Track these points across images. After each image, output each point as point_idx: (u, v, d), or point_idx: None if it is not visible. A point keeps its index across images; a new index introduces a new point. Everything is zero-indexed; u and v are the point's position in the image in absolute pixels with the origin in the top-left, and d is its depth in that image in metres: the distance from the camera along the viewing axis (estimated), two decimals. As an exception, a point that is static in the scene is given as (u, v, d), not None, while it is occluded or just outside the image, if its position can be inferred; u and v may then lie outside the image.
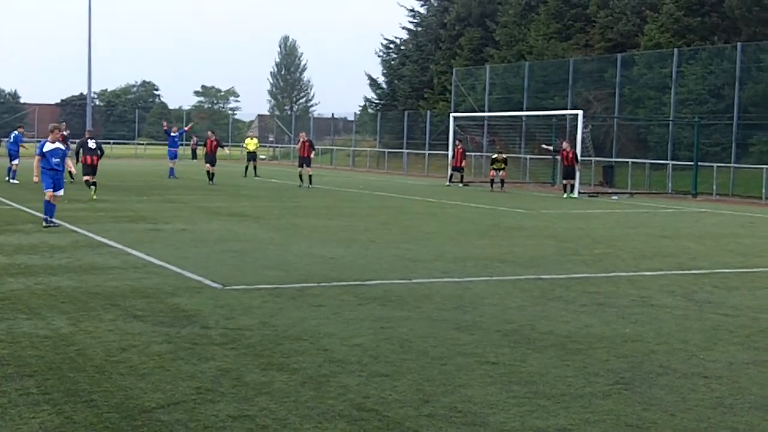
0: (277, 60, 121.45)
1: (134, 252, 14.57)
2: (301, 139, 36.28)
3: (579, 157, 34.58)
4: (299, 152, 36.06)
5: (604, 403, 6.75)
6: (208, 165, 36.82)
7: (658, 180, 39.47)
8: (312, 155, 36.61)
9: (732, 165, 37.13)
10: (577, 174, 34.47)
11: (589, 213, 26.10)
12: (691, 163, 36.89)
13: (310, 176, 35.13)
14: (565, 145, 34.72)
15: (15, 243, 15.42)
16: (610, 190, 37.55)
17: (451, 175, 40.69)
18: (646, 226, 22.29)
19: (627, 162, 40.31)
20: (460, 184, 39.78)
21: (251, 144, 44.68)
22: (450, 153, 41.50)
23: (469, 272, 13.28)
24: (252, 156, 43.72)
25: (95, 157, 26.42)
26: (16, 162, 33.53)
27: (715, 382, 7.42)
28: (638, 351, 8.46)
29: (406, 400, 6.73)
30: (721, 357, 8.32)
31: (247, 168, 43.22)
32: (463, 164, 40.76)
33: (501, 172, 37.16)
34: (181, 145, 39.68)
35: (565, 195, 33.70)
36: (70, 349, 8.01)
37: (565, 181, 34.45)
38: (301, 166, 35.68)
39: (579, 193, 34.18)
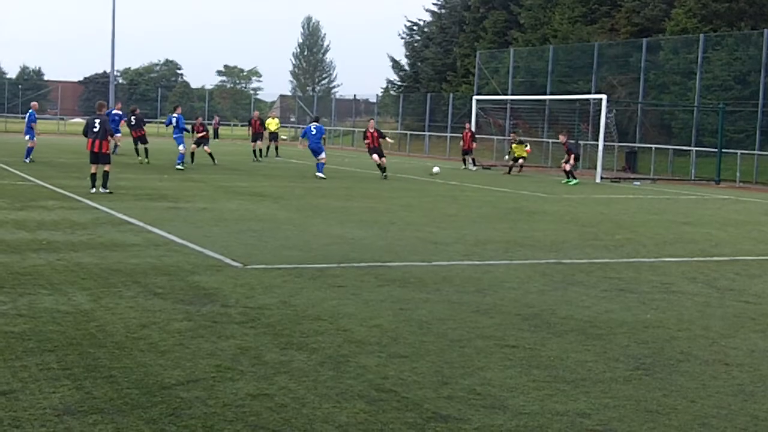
0: (300, 40, 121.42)
1: (155, 230, 14.61)
2: (254, 118, 40.99)
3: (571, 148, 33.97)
4: (253, 129, 40.68)
5: (624, 389, 6.72)
6: (194, 146, 35.07)
7: (681, 166, 39.26)
8: (264, 132, 41.00)
9: (756, 152, 36.85)
10: (597, 159, 34.19)
11: (611, 198, 25.98)
12: (715, 149, 36.64)
13: (260, 150, 40.08)
14: (561, 137, 34.04)
15: (37, 219, 15.50)
16: (632, 176, 37.35)
17: (464, 159, 40.31)
18: (669, 212, 22.17)
19: (650, 148, 40.10)
20: (473, 167, 39.44)
21: (272, 124, 44.74)
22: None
23: (490, 255, 13.25)
24: (273, 136, 43.80)
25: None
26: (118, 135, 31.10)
27: (736, 370, 7.37)
28: (659, 337, 8.42)
29: (425, 381, 6.72)
30: (742, 344, 8.26)
31: (268, 148, 43.27)
32: (473, 146, 40.29)
33: (520, 160, 36.86)
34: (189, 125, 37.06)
35: (563, 181, 32.96)
36: (91, 325, 8.04)
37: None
38: (254, 141, 40.15)
39: (601, 178, 33.95)
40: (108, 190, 20.29)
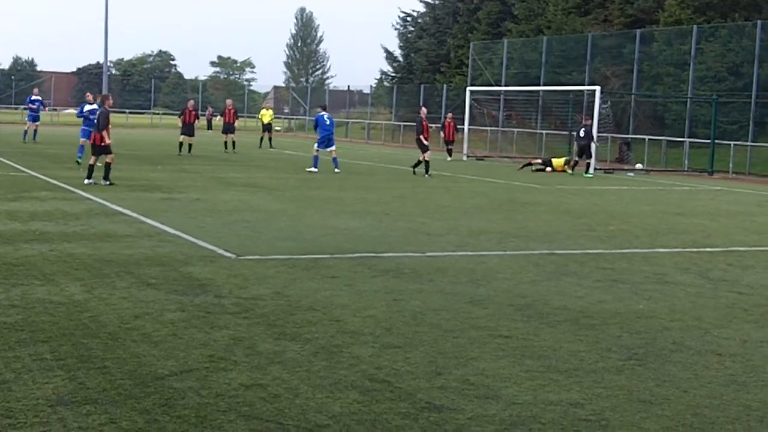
0: (294, 31, 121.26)
1: (148, 220, 14.59)
2: (228, 107, 39.52)
3: (595, 135, 33.63)
4: (224, 119, 39.14)
5: (616, 379, 6.73)
6: (183, 136, 34.14)
7: (674, 157, 39.29)
8: (236, 123, 39.39)
9: (749, 143, 36.90)
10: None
11: (604, 189, 26.00)
12: (708, 140, 36.68)
13: (234, 142, 37.71)
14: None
15: (30, 210, 15.46)
16: (626, 167, 37.36)
17: (448, 150, 39.59)
18: (662, 203, 22.20)
19: (644, 139, 40.12)
20: (449, 158, 38.65)
21: (266, 115, 44.76)
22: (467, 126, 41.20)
23: (483, 246, 13.25)
24: (267, 127, 43.78)
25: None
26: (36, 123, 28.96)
27: (728, 360, 7.39)
28: (652, 327, 8.43)
29: (418, 371, 6.73)
30: (735, 335, 8.28)
31: (262, 139, 43.26)
32: (454, 137, 39.44)
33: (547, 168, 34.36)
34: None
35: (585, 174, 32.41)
36: (84, 316, 8.04)
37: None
38: (225, 132, 38.38)
39: (594, 169, 33.93)
40: (92, 181, 20.28)
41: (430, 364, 6.92)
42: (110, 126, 20.76)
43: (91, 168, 20.46)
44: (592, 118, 33.69)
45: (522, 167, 34.15)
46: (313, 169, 27.52)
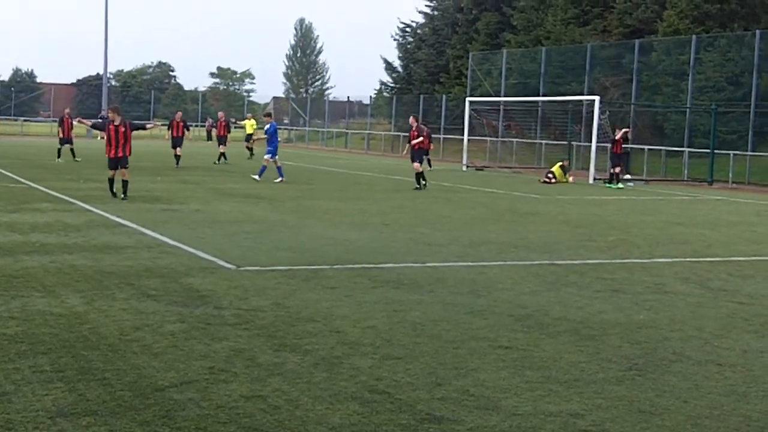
0: (293, 42, 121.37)
1: (148, 232, 14.59)
2: (221, 119, 40.08)
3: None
4: (218, 132, 39.65)
5: (617, 389, 6.73)
6: (174, 149, 34.22)
7: (674, 167, 39.31)
8: (228, 134, 39.05)
9: (748, 153, 36.90)
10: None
11: (603, 199, 26.01)
12: (708, 150, 36.69)
13: (224, 153, 37.50)
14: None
15: (30, 221, 15.46)
16: (625, 177, 37.32)
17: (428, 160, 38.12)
18: (661, 213, 22.20)
19: (643, 149, 40.14)
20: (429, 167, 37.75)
21: (248, 126, 45.45)
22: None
23: (483, 257, 13.25)
24: (248, 137, 44.41)
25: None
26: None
27: (728, 370, 7.39)
28: (652, 338, 8.43)
29: (418, 383, 6.72)
30: (735, 345, 8.28)
31: (251, 150, 43.71)
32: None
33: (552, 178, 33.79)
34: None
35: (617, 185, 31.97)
36: (84, 328, 8.03)
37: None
38: (219, 145, 38.50)
39: (594, 179, 33.92)
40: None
41: (430, 375, 6.92)
42: (115, 139, 20.57)
43: (124, 184, 20.27)
44: (623, 128, 33.68)
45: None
46: (256, 177, 27.25)
